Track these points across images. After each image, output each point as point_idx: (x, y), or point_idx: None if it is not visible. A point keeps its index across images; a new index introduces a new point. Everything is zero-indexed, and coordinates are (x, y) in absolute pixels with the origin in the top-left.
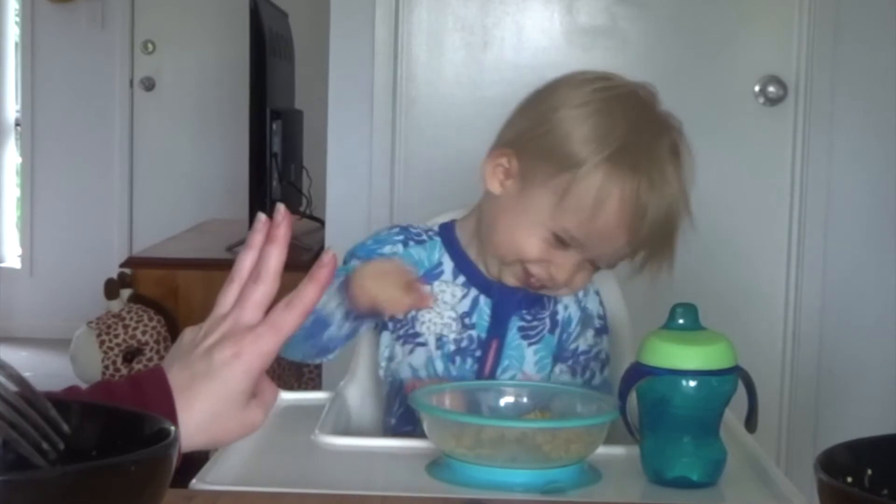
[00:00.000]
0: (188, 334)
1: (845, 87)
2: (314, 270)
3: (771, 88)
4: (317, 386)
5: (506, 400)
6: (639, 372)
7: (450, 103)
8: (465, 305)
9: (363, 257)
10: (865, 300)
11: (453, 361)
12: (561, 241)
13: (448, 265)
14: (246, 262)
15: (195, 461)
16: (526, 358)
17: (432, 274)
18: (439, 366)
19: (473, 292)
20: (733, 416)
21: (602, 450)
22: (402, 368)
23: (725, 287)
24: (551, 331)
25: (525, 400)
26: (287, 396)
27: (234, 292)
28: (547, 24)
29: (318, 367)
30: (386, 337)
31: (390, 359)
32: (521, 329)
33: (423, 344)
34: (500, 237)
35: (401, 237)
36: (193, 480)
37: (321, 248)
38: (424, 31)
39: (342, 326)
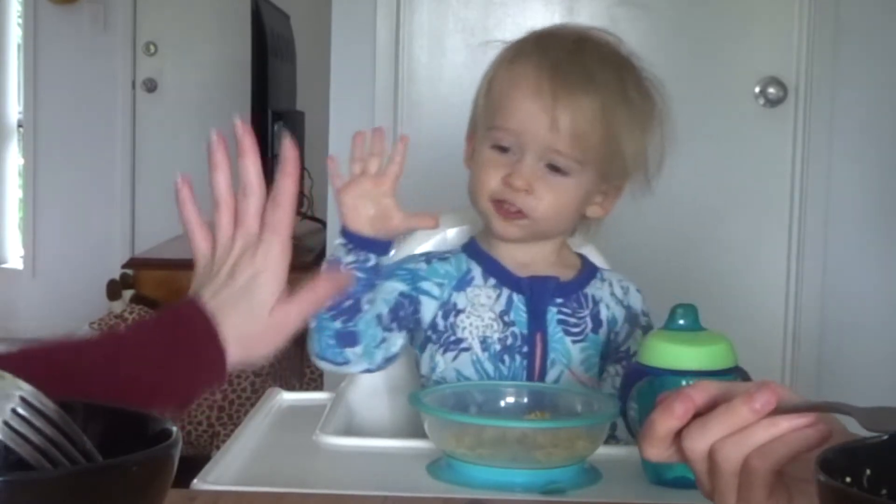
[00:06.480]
0: (201, 267)
1: (845, 88)
2: (283, 165)
3: (771, 90)
4: (318, 386)
5: (506, 400)
6: (639, 372)
7: (451, 104)
8: (501, 304)
9: (387, 276)
10: (865, 300)
11: (502, 361)
12: (500, 148)
13: (477, 270)
14: (220, 182)
15: (197, 461)
16: (572, 356)
17: (464, 281)
18: (489, 367)
19: (506, 291)
20: None
21: (602, 450)
22: (447, 377)
23: (725, 287)
24: (594, 330)
25: (525, 400)
26: (289, 396)
27: (226, 215)
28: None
29: None
30: (428, 351)
31: (433, 369)
32: (560, 322)
33: (467, 349)
34: (470, 188)
35: (423, 256)
36: (195, 480)
37: (323, 250)
38: (426, 32)
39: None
